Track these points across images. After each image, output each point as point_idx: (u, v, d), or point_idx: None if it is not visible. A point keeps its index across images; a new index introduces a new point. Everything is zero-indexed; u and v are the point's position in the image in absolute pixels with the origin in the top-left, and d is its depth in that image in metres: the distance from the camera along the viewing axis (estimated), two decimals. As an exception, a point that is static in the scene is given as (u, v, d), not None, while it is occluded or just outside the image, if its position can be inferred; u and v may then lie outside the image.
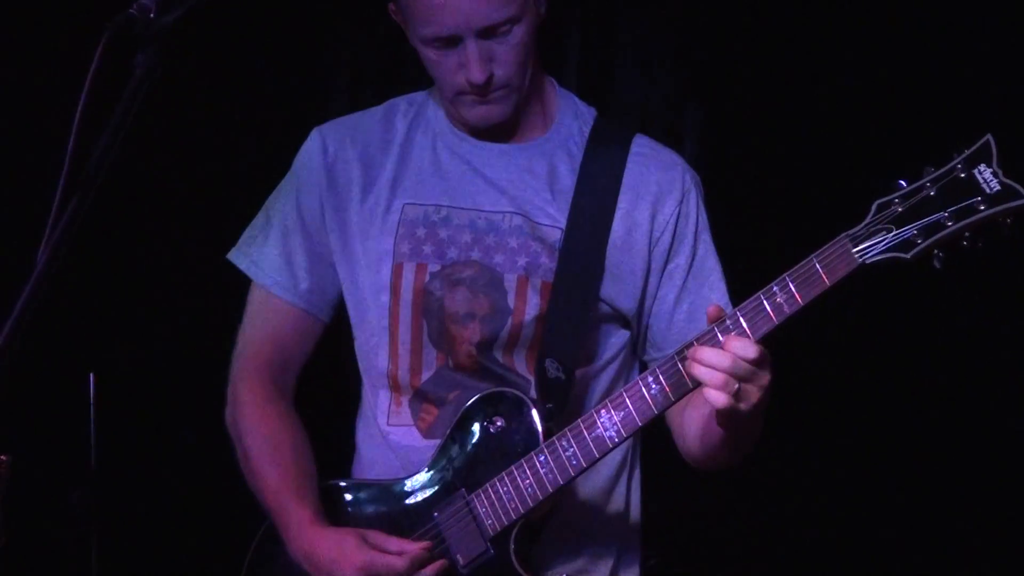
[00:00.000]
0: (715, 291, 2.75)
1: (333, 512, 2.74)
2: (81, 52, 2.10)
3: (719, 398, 2.37)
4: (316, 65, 4.04)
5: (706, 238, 2.78)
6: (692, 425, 2.67)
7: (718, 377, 2.37)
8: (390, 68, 3.93)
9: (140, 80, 2.08)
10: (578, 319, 2.71)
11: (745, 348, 2.37)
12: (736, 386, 2.37)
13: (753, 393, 2.39)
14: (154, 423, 4.02)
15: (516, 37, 2.63)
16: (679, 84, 3.84)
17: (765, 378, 2.39)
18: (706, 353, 2.39)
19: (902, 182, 2.38)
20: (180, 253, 3.97)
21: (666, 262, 2.76)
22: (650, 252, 2.75)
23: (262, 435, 2.80)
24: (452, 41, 2.62)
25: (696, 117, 3.80)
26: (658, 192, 2.75)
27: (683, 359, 2.47)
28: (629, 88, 3.88)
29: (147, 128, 2.14)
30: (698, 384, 2.47)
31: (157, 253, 4.01)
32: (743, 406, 2.39)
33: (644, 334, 2.79)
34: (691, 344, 2.47)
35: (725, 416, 2.43)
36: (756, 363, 2.37)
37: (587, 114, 2.84)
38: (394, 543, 2.64)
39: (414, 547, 2.62)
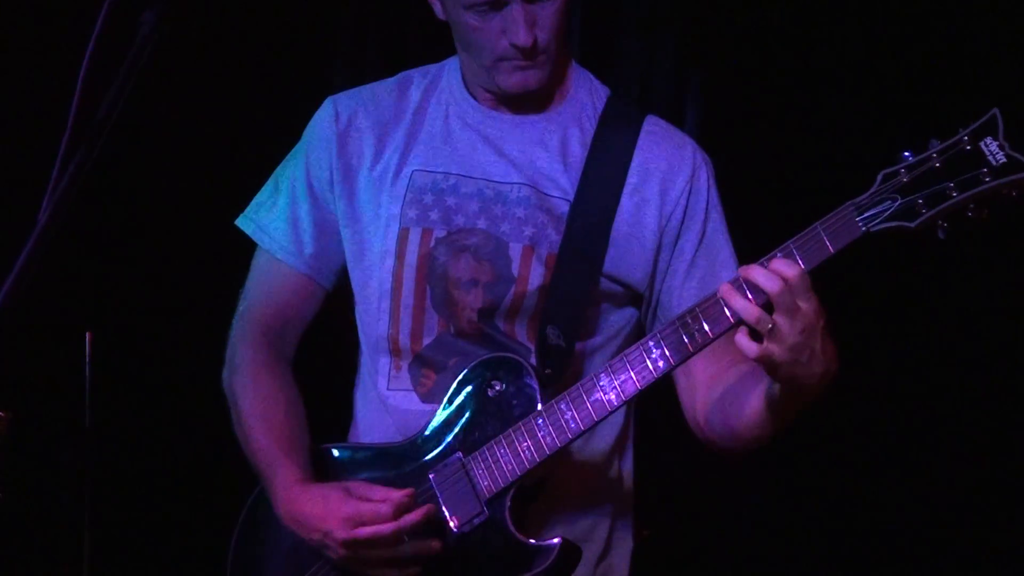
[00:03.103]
0: (726, 268, 2.74)
1: (327, 475, 2.74)
2: (87, 10, 2.09)
3: (751, 347, 2.38)
4: (326, 33, 4.03)
5: (716, 216, 2.79)
6: (723, 397, 2.67)
7: (752, 311, 2.37)
8: (395, 38, 3.92)
9: (145, 39, 2.07)
10: (581, 291, 2.71)
11: (790, 267, 2.37)
12: (769, 324, 2.37)
13: (787, 329, 2.36)
14: (150, 383, 4.02)
15: (558, 1, 2.64)
16: (682, 55, 3.83)
17: (805, 308, 2.37)
18: (754, 271, 2.39)
19: (908, 153, 2.39)
20: (180, 215, 3.97)
21: (677, 238, 2.76)
22: (661, 229, 2.75)
23: (256, 397, 2.80)
24: (497, 4, 2.62)
25: (699, 87, 3.79)
26: (668, 169, 2.76)
27: (683, 324, 2.50)
28: (631, 59, 3.86)
29: (156, 90, 2.13)
30: (699, 348, 2.49)
31: (158, 215, 4.00)
32: (776, 348, 2.37)
33: (655, 310, 2.79)
34: (693, 310, 2.49)
35: (766, 364, 2.41)
36: (795, 288, 2.36)
37: (601, 92, 2.85)
38: (378, 491, 2.64)
39: (398, 494, 2.62)
